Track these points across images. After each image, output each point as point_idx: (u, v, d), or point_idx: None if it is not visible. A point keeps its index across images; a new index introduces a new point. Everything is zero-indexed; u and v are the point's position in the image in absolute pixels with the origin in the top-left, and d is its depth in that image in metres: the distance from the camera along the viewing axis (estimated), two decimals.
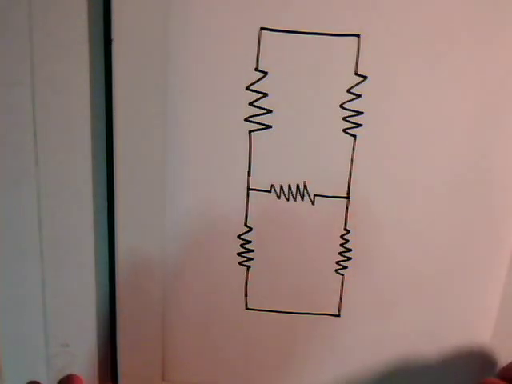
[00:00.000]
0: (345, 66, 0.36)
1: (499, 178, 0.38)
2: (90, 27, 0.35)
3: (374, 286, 0.40)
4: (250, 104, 0.37)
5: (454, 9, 0.35)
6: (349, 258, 0.40)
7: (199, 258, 0.40)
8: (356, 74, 0.36)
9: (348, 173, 0.38)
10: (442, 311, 0.41)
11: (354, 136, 0.37)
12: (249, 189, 0.39)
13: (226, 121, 0.37)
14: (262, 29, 0.35)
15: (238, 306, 0.41)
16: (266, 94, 0.36)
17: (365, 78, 0.36)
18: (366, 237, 0.39)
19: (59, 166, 0.38)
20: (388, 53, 0.35)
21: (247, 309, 0.41)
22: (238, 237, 0.40)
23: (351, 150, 0.37)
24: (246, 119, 0.37)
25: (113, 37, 0.35)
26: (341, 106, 0.36)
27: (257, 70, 0.36)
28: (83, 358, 0.42)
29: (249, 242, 0.40)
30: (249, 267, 0.40)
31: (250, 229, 0.39)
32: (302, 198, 0.38)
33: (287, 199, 0.39)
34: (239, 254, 0.40)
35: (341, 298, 0.41)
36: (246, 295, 0.41)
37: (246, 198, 0.39)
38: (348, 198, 0.38)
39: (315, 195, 0.38)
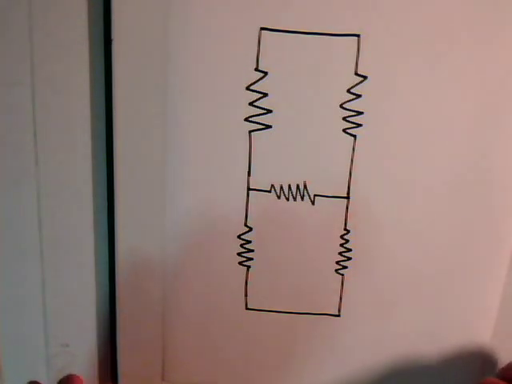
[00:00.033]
0: (345, 66, 0.36)
1: (499, 178, 0.38)
2: (90, 27, 0.35)
3: (373, 286, 0.40)
4: (250, 104, 0.37)
5: (453, 9, 0.35)
6: (349, 258, 0.40)
7: (199, 258, 0.40)
8: (356, 74, 0.36)
9: (348, 173, 0.38)
10: (442, 311, 0.41)
11: (354, 136, 0.37)
12: (249, 189, 0.39)
13: (225, 121, 0.37)
14: (262, 29, 0.35)
15: (237, 306, 0.41)
16: (265, 94, 0.36)
17: (365, 78, 0.36)
18: (366, 237, 0.39)
19: (59, 166, 0.38)
20: (388, 53, 0.35)
21: (247, 309, 0.41)
22: (238, 237, 0.40)
23: (351, 150, 0.37)
24: (246, 119, 0.37)
25: (113, 37, 0.35)
26: (341, 106, 0.36)
27: (257, 70, 0.36)
28: (83, 357, 0.42)
29: (249, 242, 0.40)
30: (249, 267, 0.40)
31: (250, 229, 0.39)
32: (302, 198, 0.38)
33: (287, 199, 0.39)
34: (239, 254, 0.40)
35: (341, 298, 0.41)
36: (245, 295, 0.41)
37: (245, 197, 0.39)
38: (348, 198, 0.38)
39: (315, 195, 0.38)
